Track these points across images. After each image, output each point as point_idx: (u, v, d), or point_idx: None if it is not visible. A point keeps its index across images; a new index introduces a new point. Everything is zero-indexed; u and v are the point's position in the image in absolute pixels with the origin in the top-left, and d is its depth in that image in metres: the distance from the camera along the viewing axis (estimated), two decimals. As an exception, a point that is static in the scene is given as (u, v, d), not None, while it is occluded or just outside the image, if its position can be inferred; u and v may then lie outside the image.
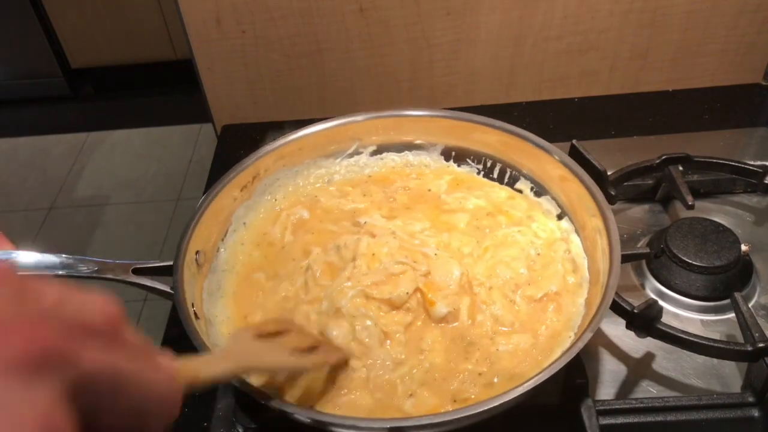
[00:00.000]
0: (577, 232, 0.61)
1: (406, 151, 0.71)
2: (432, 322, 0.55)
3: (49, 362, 0.24)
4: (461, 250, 0.61)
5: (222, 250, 0.62)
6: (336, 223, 0.65)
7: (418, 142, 0.70)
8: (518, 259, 0.60)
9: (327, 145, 0.69)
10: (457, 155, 0.70)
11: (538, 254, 0.60)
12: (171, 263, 0.54)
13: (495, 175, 0.68)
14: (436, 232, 0.62)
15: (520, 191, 0.67)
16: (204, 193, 0.62)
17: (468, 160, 0.69)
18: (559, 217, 0.63)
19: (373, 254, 0.58)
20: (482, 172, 0.69)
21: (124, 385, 0.27)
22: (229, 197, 0.63)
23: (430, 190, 0.68)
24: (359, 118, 0.68)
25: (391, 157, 0.71)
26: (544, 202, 0.65)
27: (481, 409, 0.43)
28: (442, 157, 0.70)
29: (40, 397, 0.23)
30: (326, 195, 0.68)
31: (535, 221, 0.64)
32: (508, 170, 0.67)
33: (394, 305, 0.55)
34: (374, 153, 0.70)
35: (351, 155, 0.70)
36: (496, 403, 0.43)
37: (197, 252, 0.58)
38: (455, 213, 0.65)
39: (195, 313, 0.52)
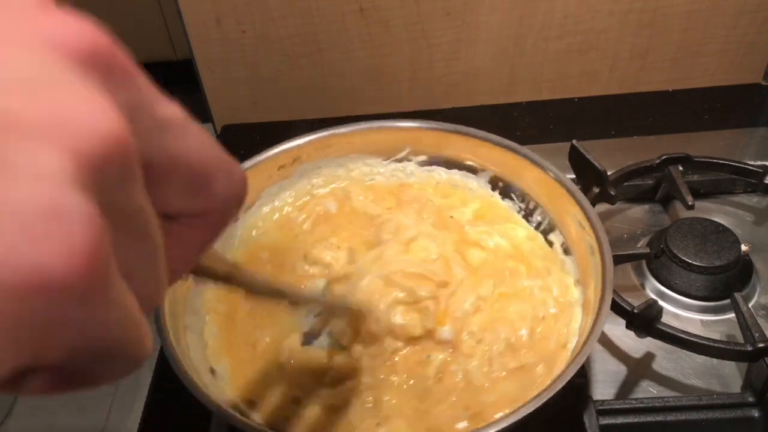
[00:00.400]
0: (582, 306, 0.55)
1: (455, 170, 0.66)
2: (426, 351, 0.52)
3: (99, 61, 0.18)
4: (476, 289, 0.56)
5: (239, 220, 0.61)
6: (357, 224, 0.62)
7: (469, 162, 0.65)
8: (525, 318, 0.54)
9: (377, 145, 0.66)
10: (503, 187, 0.64)
11: (543, 318, 0.54)
12: None
13: (533, 219, 0.62)
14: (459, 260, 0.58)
15: (551, 243, 0.60)
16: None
17: (512, 195, 0.64)
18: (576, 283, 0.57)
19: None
20: (523, 212, 0.63)
21: (185, 129, 0.21)
22: (264, 173, 0.61)
23: (452, 217, 0.63)
24: (414, 124, 0.65)
25: (438, 172, 0.66)
26: (569, 261, 0.58)
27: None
28: (489, 185, 0.65)
29: (89, 87, 0.17)
30: (360, 194, 0.66)
31: (552, 274, 0.58)
32: (548, 218, 0.61)
33: (413, 299, 0.53)
34: (423, 163, 0.66)
35: (400, 160, 0.66)
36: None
37: None
38: (476, 247, 0.60)
39: None
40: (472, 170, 0.65)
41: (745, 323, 0.54)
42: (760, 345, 0.52)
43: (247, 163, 0.60)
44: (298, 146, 0.63)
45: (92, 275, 0.15)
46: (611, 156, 0.71)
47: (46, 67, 0.16)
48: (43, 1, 0.18)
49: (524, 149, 0.61)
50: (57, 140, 0.15)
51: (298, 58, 0.87)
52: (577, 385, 0.52)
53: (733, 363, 0.57)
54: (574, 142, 0.69)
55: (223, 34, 0.84)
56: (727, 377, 0.57)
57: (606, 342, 0.60)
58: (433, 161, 0.66)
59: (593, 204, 0.60)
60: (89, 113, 0.16)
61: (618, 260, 0.60)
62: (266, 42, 0.85)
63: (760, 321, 0.55)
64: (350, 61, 0.87)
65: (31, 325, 0.15)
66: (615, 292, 0.56)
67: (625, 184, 0.70)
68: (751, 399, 0.53)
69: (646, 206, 0.73)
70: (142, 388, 0.63)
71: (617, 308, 0.56)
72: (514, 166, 0.62)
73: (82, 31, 0.18)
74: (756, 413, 0.52)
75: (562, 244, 0.59)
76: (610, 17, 0.84)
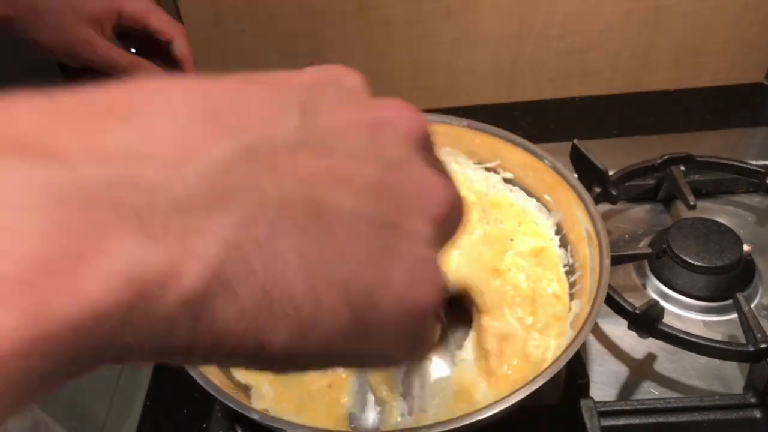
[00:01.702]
0: None
1: (534, 199, 0.62)
2: None
3: (425, 142, 0.24)
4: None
5: None
6: None
7: (547, 197, 0.61)
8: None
9: (472, 147, 0.63)
10: (563, 238, 0.60)
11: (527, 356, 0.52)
12: None
13: (571, 279, 0.58)
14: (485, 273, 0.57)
15: (570, 308, 0.56)
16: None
17: (568, 247, 0.59)
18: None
19: None
20: (567, 267, 0.58)
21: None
22: None
23: (511, 240, 0.60)
24: (511, 138, 0.62)
25: (517, 195, 0.63)
26: (569, 334, 0.53)
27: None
28: (555, 228, 0.60)
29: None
30: None
31: (551, 328, 0.54)
32: (582, 287, 0.55)
33: None
34: (507, 181, 0.64)
35: (488, 169, 0.64)
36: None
37: None
38: (498, 276, 0.58)
39: None
40: (547, 205, 0.61)
41: (747, 324, 0.54)
42: (762, 346, 0.52)
43: None
44: None
45: (439, 303, 0.23)
46: (613, 155, 0.71)
47: (403, 150, 0.23)
48: (365, 95, 0.26)
49: (595, 208, 0.56)
50: (422, 209, 0.22)
51: (298, 58, 0.86)
52: (579, 386, 0.52)
53: (735, 364, 0.57)
54: (575, 141, 0.68)
55: (222, 34, 0.84)
56: (729, 378, 0.56)
57: (607, 343, 0.60)
58: (517, 182, 0.63)
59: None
60: (436, 187, 0.23)
61: (619, 260, 0.60)
62: (266, 42, 0.85)
63: (762, 321, 0.54)
64: (350, 61, 0.86)
65: (412, 336, 0.23)
66: (617, 292, 0.56)
67: (627, 183, 0.70)
68: (753, 400, 0.52)
69: (648, 206, 0.72)
70: (140, 390, 0.63)
71: (619, 309, 0.55)
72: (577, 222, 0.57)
73: (417, 119, 0.25)
74: (758, 414, 0.52)
75: (576, 315, 0.54)
76: (612, 16, 0.83)
